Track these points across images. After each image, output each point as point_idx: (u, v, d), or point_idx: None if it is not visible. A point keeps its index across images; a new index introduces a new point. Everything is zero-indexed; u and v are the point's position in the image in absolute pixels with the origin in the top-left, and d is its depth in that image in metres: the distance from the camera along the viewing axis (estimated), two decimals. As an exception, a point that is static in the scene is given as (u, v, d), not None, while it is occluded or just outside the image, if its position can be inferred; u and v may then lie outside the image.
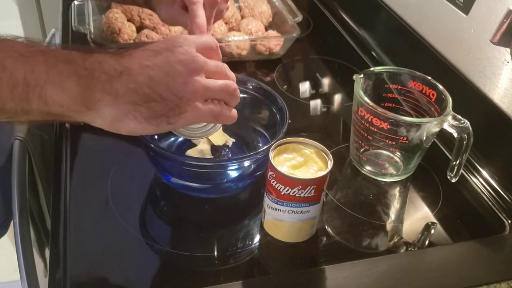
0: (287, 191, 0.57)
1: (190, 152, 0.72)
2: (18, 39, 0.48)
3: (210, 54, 0.55)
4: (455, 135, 0.65)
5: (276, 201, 0.59)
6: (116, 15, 0.96)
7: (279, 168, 0.57)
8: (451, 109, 0.66)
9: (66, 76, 0.46)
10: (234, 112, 0.57)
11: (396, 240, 0.66)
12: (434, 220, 0.69)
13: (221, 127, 0.63)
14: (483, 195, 0.73)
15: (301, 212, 0.59)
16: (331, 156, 0.60)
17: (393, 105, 0.73)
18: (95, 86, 0.47)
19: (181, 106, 0.50)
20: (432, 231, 0.68)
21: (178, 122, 0.52)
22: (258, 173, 0.67)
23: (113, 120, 0.49)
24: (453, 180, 0.70)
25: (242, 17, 1.07)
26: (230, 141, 0.74)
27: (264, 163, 0.64)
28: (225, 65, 0.56)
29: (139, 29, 0.99)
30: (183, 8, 0.69)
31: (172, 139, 0.73)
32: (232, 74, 0.57)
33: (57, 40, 1.03)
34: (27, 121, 0.49)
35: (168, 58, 0.50)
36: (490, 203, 0.72)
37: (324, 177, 0.58)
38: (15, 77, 0.44)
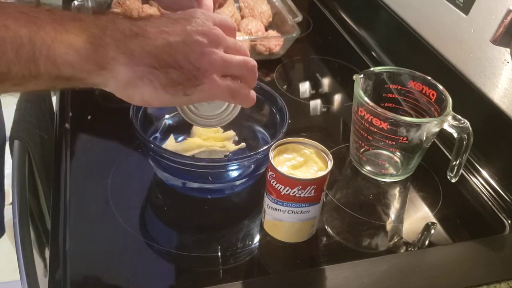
0: (287, 191, 0.57)
1: (198, 153, 0.71)
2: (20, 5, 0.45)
3: (227, 32, 0.53)
4: (455, 135, 0.65)
5: (276, 201, 0.59)
6: (116, 15, 0.96)
7: (279, 168, 0.57)
8: (451, 109, 0.66)
9: (76, 34, 0.43)
10: (253, 93, 0.55)
11: (396, 240, 0.66)
12: (434, 220, 0.69)
13: (236, 114, 0.60)
14: (483, 195, 0.73)
15: (301, 212, 0.59)
16: (331, 156, 0.60)
17: (393, 105, 0.73)
18: (108, 44, 0.45)
19: (198, 77, 0.49)
20: (432, 231, 0.68)
21: (194, 95, 0.49)
22: (258, 173, 0.67)
23: (127, 83, 0.47)
24: (453, 180, 0.70)
25: (242, 17, 1.07)
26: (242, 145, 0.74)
27: (264, 163, 0.64)
28: (244, 45, 0.54)
29: (139, 29, 0.99)
30: None
31: (173, 137, 0.73)
32: (248, 54, 0.54)
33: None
34: (36, 88, 0.45)
35: (186, 27, 0.48)
36: (490, 203, 0.72)
37: (324, 177, 0.58)
38: (20, 36, 0.41)
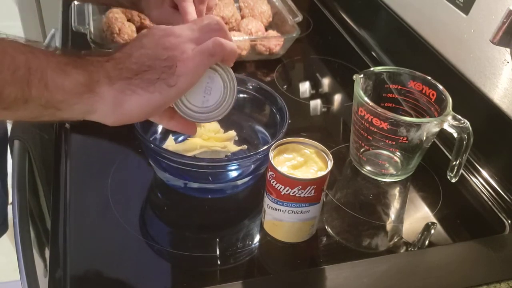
0: (287, 191, 0.57)
1: (201, 153, 0.71)
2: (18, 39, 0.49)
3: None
4: (455, 135, 0.65)
5: (276, 201, 0.59)
6: (116, 15, 0.96)
7: (279, 168, 0.57)
8: (451, 109, 0.66)
9: (65, 64, 0.48)
10: (228, 42, 0.55)
11: (396, 240, 0.66)
12: (434, 220, 0.69)
13: (231, 105, 0.58)
14: (483, 195, 0.73)
15: (301, 212, 0.59)
16: (331, 156, 0.60)
17: (393, 105, 0.73)
18: (91, 70, 0.49)
19: (170, 65, 0.51)
20: (432, 231, 0.68)
21: (179, 82, 0.51)
22: (258, 173, 0.67)
23: (114, 102, 0.50)
24: (453, 180, 0.70)
25: (242, 17, 1.07)
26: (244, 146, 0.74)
27: (264, 163, 0.64)
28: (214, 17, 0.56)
29: (139, 29, 0.99)
30: (173, 8, 0.70)
31: (172, 138, 0.73)
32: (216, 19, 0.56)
33: (57, 40, 1.03)
34: (25, 115, 0.48)
35: (142, 40, 0.53)
36: (490, 203, 0.72)
37: (324, 177, 0.58)
38: (17, 61, 0.45)
